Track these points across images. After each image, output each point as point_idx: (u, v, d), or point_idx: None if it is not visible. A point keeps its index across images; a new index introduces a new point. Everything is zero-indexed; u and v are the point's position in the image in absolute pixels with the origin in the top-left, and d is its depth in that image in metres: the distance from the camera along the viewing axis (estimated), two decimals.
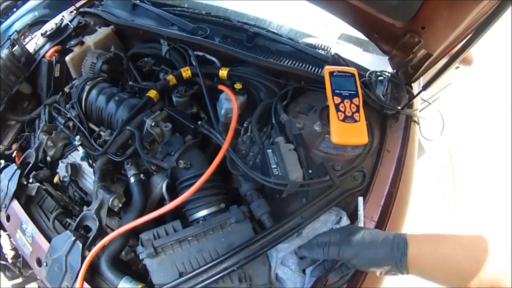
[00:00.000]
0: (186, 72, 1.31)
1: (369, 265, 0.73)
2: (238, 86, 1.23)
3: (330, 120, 0.98)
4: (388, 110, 1.11)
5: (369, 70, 1.25)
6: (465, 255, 0.60)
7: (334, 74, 1.03)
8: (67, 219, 1.05)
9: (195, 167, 1.03)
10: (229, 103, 1.19)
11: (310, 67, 1.28)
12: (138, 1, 1.67)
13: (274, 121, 1.11)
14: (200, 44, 1.36)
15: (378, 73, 1.26)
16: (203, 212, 0.97)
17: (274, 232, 0.88)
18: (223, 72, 1.28)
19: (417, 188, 1.04)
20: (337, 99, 1.00)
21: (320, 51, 1.38)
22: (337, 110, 0.98)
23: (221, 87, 1.24)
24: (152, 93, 1.23)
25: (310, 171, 0.91)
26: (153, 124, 1.11)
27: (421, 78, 1.23)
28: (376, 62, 1.33)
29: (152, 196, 1.05)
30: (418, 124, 1.20)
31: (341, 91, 1.01)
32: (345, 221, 0.93)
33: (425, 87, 1.01)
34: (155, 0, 1.74)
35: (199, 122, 1.15)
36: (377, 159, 1.04)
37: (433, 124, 1.33)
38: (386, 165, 1.03)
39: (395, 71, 1.25)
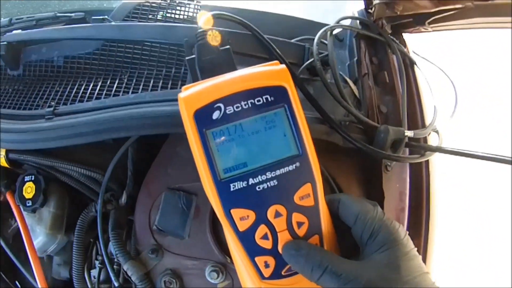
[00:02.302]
0: None
1: None
2: (27, 191, 0.52)
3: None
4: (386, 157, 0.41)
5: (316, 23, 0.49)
6: None
7: (213, 114, 0.27)
8: None
9: None
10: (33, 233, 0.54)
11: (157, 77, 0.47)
12: None
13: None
14: None
15: (335, 27, 0.52)
16: None
17: None
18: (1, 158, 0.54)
19: None
20: (239, 214, 0.27)
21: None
22: (251, 251, 0.28)
23: (8, 197, 0.53)
24: None
25: None
26: None
27: None
28: None
29: None
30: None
31: (250, 178, 0.28)
32: None
33: None
34: None
35: None
36: None
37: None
38: None
39: (372, 18, 0.52)
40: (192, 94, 0.28)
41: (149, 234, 0.42)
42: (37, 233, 0.55)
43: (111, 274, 0.46)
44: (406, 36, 0.65)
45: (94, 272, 0.53)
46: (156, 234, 0.42)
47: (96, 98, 0.44)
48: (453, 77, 0.64)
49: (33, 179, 0.53)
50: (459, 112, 0.64)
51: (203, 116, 0.27)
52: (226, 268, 0.40)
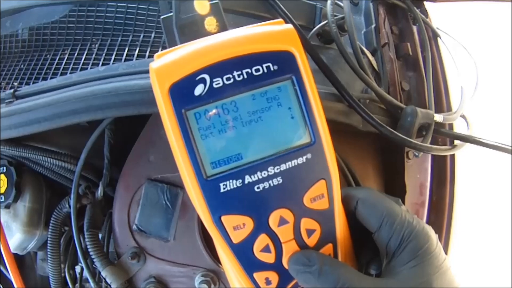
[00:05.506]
0: None
1: None
2: None
3: None
4: (411, 145, 0.33)
5: None
6: None
7: (195, 89, 0.20)
8: None
9: None
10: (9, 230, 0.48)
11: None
12: None
13: None
14: None
15: None
16: None
17: None
18: None
19: None
20: (233, 222, 0.21)
21: None
22: (248, 267, 0.22)
23: None
24: None
25: None
26: None
27: None
28: None
29: None
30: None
31: (246, 175, 0.21)
32: None
33: None
34: None
35: None
36: None
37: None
38: None
39: None
40: (167, 63, 0.21)
41: (129, 235, 0.36)
42: (13, 231, 0.48)
43: (88, 276, 0.40)
44: (428, 5, 0.57)
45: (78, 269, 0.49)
46: (137, 235, 0.36)
47: (62, 74, 0.36)
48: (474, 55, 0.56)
49: (4, 171, 0.47)
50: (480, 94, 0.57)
51: (181, 92, 0.20)
52: (219, 276, 0.34)
